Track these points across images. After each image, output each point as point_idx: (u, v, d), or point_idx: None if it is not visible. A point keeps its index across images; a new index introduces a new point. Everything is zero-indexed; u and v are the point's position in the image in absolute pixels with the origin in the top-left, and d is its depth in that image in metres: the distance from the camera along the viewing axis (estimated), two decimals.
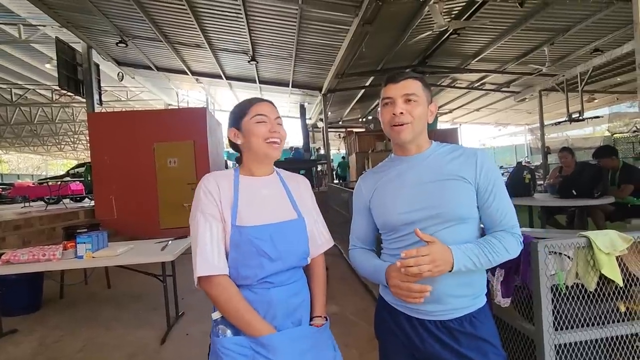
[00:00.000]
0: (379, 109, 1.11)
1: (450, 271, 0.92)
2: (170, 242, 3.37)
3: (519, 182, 3.99)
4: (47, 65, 9.40)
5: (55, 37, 7.08)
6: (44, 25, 7.42)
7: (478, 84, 10.16)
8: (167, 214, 7.22)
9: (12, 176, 29.05)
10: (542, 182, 5.80)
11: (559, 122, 8.04)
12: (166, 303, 3.01)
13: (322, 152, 14.36)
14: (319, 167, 13.77)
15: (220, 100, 13.67)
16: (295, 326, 1.03)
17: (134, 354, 2.66)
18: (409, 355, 1.06)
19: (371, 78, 8.89)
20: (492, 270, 1.45)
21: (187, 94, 13.27)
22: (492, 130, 21.47)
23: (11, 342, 2.98)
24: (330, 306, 3.33)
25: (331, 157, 11.24)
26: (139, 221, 6.96)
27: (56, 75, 7.38)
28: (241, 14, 5.78)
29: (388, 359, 1.12)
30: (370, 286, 3.62)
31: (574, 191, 3.71)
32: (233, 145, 1.12)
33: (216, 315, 1.01)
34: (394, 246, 1.05)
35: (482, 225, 1.07)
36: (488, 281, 1.52)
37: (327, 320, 1.11)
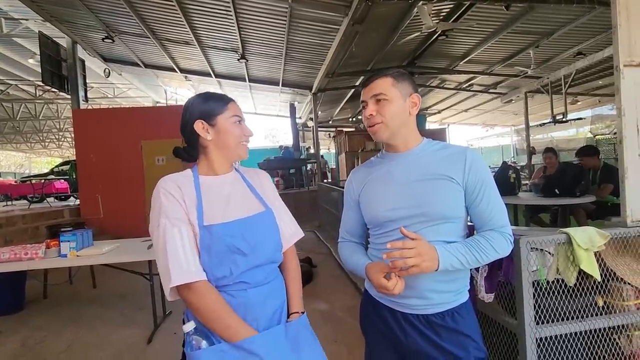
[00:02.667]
0: None
1: (436, 270, 0.93)
2: None
3: (505, 181, 4.07)
4: (30, 60, 9.16)
5: (39, 31, 6.91)
6: (27, 19, 7.23)
7: (466, 85, 10.31)
8: None
9: None
10: (527, 181, 5.93)
11: (544, 124, 8.21)
12: (153, 302, 2.98)
13: (312, 151, 14.36)
14: (309, 166, 13.77)
15: None
16: (273, 325, 1.00)
17: (120, 354, 2.63)
18: (392, 349, 1.08)
19: (361, 78, 8.93)
20: (476, 267, 1.49)
21: (176, 91, 13.10)
22: (480, 131, 21.82)
23: None
24: (319, 303, 3.37)
25: (321, 156, 11.26)
26: (125, 220, 6.84)
27: (40, 70, 7.20)
28: (230, 11, 5.74)
29: (373, 352, 1.14)
30: (359, 284, 3.65)
31: (556, 190, 3.81)
32: (191, 138, 1.05)
33: (188, 327, 0.95)
34: (380, 241, 1.07)
35: (470, 223, 1.09)
36: (472, 277, 1.56)
37: (303, 313, 1.08)
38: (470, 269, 1.16)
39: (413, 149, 1.08)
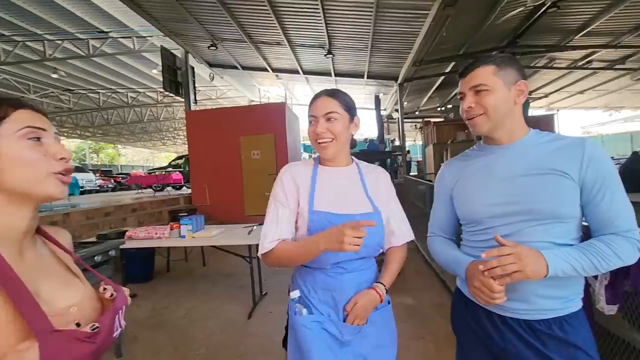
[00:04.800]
0: None
1: (546, 276, 0.85)
2: (255, 227, 3.69)
3: (634, 175, 3.42)
4: (154, 71, 10.88)
5: (161, 45, 8.13)
6: (151, 36, 8.57)
7: (583, 62, 8.80)
8: (250, 202, 7.86)
9: (129, 167, 34.55)
10: None
11: None
12: (252, 282, 3.32)
13: (397, 143, 14.00)
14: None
15: (298, 94, 14.22)
16: None
17: (226, 325, 3.00)
18: (487, 352, 1.02)
19: (452, 64, 8.35)
20: (593, 274, 1.31)
21: (268, 90, 14.06)
22: (601, 116, 18.45)
23: (133, 304, 3.59)
24: (405, 298, 3.33)
25: (407, 149, 10.91)
26: (227, 208, 7.71)
27: (161, 79, 8.48)
28: (318, 8, 5.92)
29: (466, 354, 1.09)
30: (448, 282, 3.49)
31: None
32: None
33: (294, 295, 1.09)
34: (476, 239, 1.02)
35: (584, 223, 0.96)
36: (588, 284, 1.38)
37: (388, 303, 1.16)
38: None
39: (518, 140, 0.99)
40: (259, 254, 1.08)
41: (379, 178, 1.18)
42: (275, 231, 1.07)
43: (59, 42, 8.77)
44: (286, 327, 1.14)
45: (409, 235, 1.19)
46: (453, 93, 11.71)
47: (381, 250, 1.16)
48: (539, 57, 8.64)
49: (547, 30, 6.85)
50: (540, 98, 12.93)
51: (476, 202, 1.00)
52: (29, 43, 8.77)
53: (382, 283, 1.11)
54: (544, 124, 9.31)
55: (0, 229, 0.57)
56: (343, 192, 1.10)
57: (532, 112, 12.79)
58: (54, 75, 10.83)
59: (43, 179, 0.58)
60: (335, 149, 1.08)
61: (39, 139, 0.59)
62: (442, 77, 9.38)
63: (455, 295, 1.14)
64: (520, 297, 0.93)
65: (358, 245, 0.89)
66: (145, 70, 11.36)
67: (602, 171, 0.88)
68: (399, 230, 1.17)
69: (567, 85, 11.41)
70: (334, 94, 1.09)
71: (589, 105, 15.11)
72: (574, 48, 7.55)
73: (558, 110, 14.74)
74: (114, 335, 0.63)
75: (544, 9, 5.72)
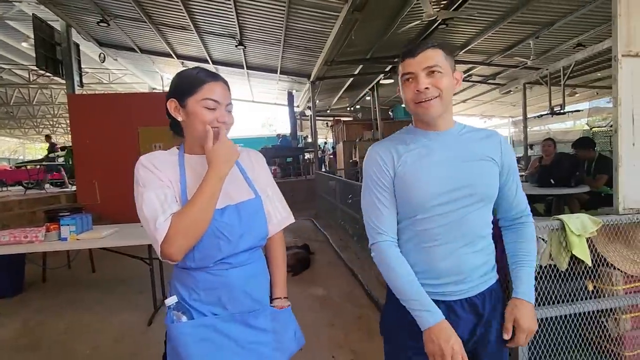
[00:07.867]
0: (399, 86, 1.02)
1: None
2: None
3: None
4: (24, 44, 9.00)
5: (33, 14, 6.77)
6: (20, 1, 7.07)
7: (465, 75, 10.29)
8: None
9: None
10: (522, 173, 5.98)
11: (542, 115, 8.23)
12: (152, 286, 3.01)
13: (309, 140, 14.34)
14: (307, 155, 13.78)
15: None
16: (256, 308, 1.00)
17: (121, 336, 2.67)
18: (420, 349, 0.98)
19: (360, 66, 8.88)
20: None
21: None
22: (478, 122, 21.86)
23: None
24: (316, 289, 3.42)
25: (319, 146, 11.26)
26: (123, 206, 6.78)
27: (33, 54, 7.08)
28: None
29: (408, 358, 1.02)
30: (356, 271, 3.71)
31: (552, 180, 3.85)
32: (170, 115, 0.98)
33: (170, 301, 0.96)
34: (421, 227, 0.97)
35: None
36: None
37: (288, 303, 1.08)
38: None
39: (450, 129, 1.03)
40: (159, 245, 0.84)
41: (253, 161, 1.08)
42: (164, 210, 0.87)
43: None
44: (165, 342, 0.99)
45: (290, 219, 1.11)
46: (362, 94, 12.47)
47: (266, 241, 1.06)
48: None
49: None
50: None
51: (425, 190, 0.95)
52: None
53: (280, 298, 1.07)
54: None
55: None
56: None
57: None
58: None
59: None
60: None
61: None
62: (352, 79, 9.92)
63: (392, 303, 1.03)
64: (463, 279, 0.97)
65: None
66: (12, 42, 9.33)
67: (510, 158, 1.04)
68: (278, 214, 1.08)
69: (453, 95, 13.16)
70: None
71: (470, 113, 17.76)
72: (459, 62, 8.75)
73: None
74: None
75: (436, 24, 6.49)
